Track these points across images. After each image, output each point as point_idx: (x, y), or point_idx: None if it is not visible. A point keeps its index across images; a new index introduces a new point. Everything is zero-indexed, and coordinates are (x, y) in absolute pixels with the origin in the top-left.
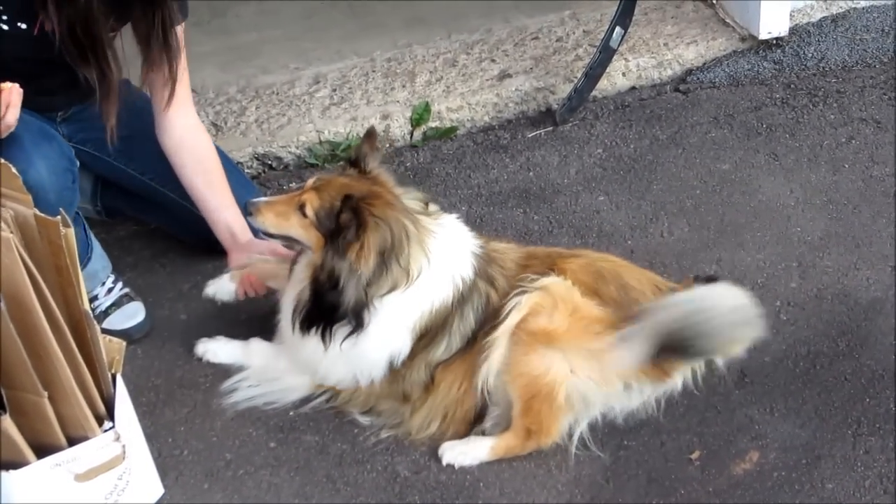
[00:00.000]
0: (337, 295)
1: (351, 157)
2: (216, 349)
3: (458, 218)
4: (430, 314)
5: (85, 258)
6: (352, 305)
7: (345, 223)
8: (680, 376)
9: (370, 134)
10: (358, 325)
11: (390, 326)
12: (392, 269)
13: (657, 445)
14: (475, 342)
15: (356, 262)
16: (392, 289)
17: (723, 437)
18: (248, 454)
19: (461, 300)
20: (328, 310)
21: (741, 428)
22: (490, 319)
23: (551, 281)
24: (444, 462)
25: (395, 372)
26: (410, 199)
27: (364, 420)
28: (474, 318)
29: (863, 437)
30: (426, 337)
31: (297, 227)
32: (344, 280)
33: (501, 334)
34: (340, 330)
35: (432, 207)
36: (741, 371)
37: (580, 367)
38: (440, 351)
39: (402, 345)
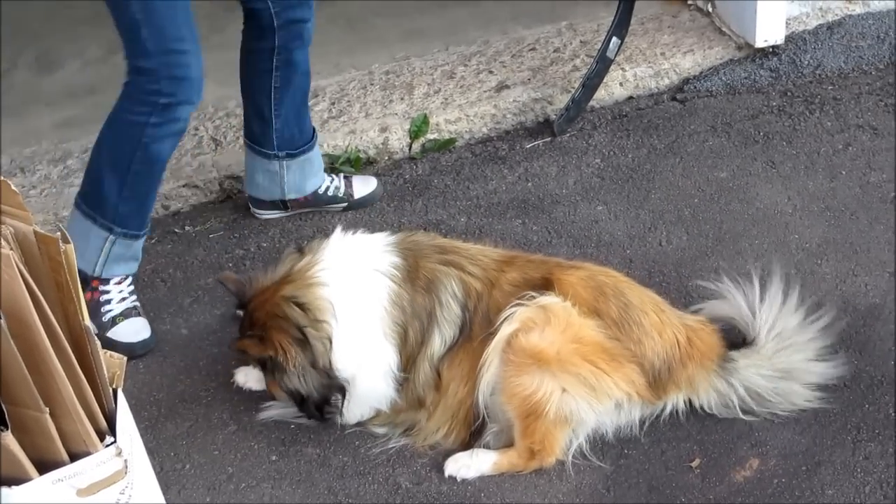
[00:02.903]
0: (309, 395)
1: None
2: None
3: (343, 232)
4: (386, 313)
5: None
6: (321, 390)
7: (258, 353)
8: (671, 400)
9: (221, 282)
10: (342, 391)
11: (363, 360)
12: (311, 337)
13: (658, 454)
14: (472, 333)
15: (290, 365)
16: (327, 346)
17: (723, 444)
18: (249, 467)
19: (417, 284)
20: (317, 407)
21: (741, 435)
22: (484, 311)
23: (549, 300)
24: (447, 474)
25: (405, 381)
26: (282, 268)
27: (380, 430)
28: (457, 305)
29: (862, 442)
30: (410, 333)
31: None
32: (298, 384)
33: (493, 350)
34: (337, 402)
35: (306, 252)
36: None
37: (572, 386)
38: (436, 344)
39: (385, 355)
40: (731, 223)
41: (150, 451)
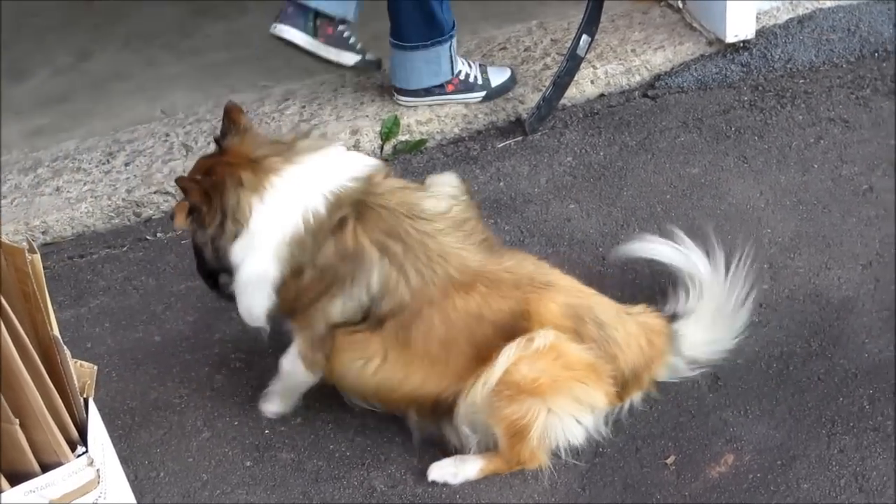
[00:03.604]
0: (204, 258)
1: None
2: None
3: (340, 149)
4: (285, 242)
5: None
6: (213, 262)
7: (192, 198)
8: (629, 400)
9: (227, 111)
10: (229, 272)
11: (253, 259)
12: (227, 218)
13: (632, 451)
14: (382, 326)
15: (207, 225)
16: (235, 235)
17: (697, 440)
18: (224, 474)
19: (331, 246)
20: (211, 272)
21: (716, 431)
22: (406, 322)
23: (541, 343)
24: (430, 479)
25: (303, 317)
26: (265, 148)
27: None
28: (367, 295)
29: (837, 436)
30: (307, 275)
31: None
32: (202, 242)
33: (483, 387)
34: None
35: (297, 146)
36: (714, 374)
37: (561, 406)
38: (333, 309)
39: (269, 268)
40: (703, 219)
41: (124, 460)
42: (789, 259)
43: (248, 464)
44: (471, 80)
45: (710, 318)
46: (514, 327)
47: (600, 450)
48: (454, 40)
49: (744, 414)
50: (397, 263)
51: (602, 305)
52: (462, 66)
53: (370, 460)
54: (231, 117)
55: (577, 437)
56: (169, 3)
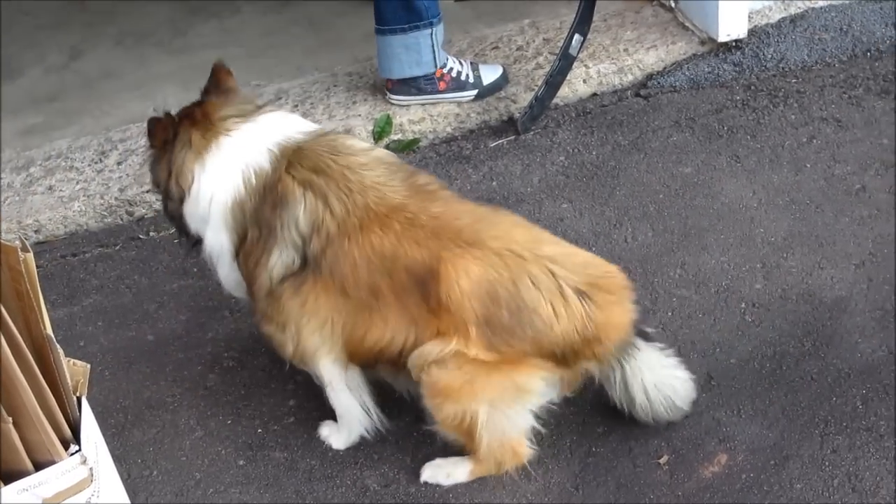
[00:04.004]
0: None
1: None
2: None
3: (284, 112)
4: (235, 203)
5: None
6: (177, 222)
7: (156, 135)
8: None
9: (214, 69)
10: (186, 234)
11: (209, 231)
12: (171, 178)
13: (626, 451)
14: (320, 271)
15: (159, 176)
16: (181, 199)
17: (691, 440)
18: (217, 473)
19: (266, 198)
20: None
21: (709, 431)
22: (332, 258)
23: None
24: (422, 480)
25: (257, 285)
26: (225, 109)
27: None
28: (297, 234)
29: (830, 436)
30: (249, 236)
31: None
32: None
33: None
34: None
35: (246, 108)
36: (708, 374)
37: (495, 400)
38: (275, 262)
39: (222, 239)
40: (696, 218)
41: (117, 458)
42: (782, 259)
43: (242, 462)
44: (462, 77)
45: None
46: (425, 284)
47: (593, 450)
48: (437, 31)
49: (737, 414)
50: (321, 194)
51: (532, 279)
52: (453, 64)
53: (363, 459)
54: (216, 76)
55: (528, 421)
56: (161, 2)
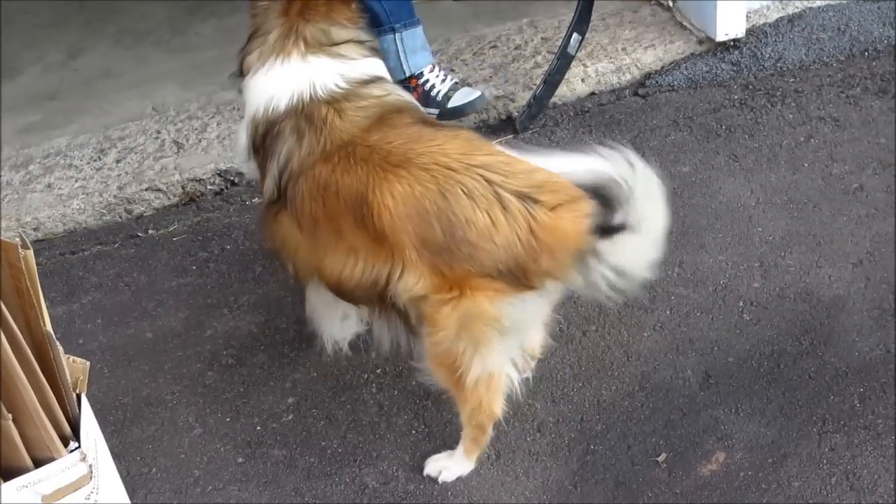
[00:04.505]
0: None
1: None
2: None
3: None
4: (254, 119)
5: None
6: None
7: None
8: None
9: None
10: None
11: (241, 126)
12: (243, 54)
13: (624, 449)
14: (285, 202)
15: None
16: (239, 74)
17: (689, 438)
18: (216, 470)
19: (271, 130)
20: None
21: (707, 429)
22: (292, 193)
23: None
24: (426, 472)
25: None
26: (345, 28)
27: None
28: (278, 168)
29: (828, 434)
30: (262, 152)
31: None
32: None
33: None
34: None
35: (353, 55)
36: (706, 372)
37: (465, 331)
38: (267, 184)
39: (242, 135)
40: (694, 217)
41: (116, 456)
42: (780, 258)
43: (240, 460)
44: (433, 94)
45: (637, 221)
46: (360, 211)
47: (591, 448)
48: (403, 36)
49: (735, 412)
50: (300, 137)
51: (463, 189)
52: (434, 80)
53: (362, 457)
54: None
55: (510, 353)
56: (159, 1)
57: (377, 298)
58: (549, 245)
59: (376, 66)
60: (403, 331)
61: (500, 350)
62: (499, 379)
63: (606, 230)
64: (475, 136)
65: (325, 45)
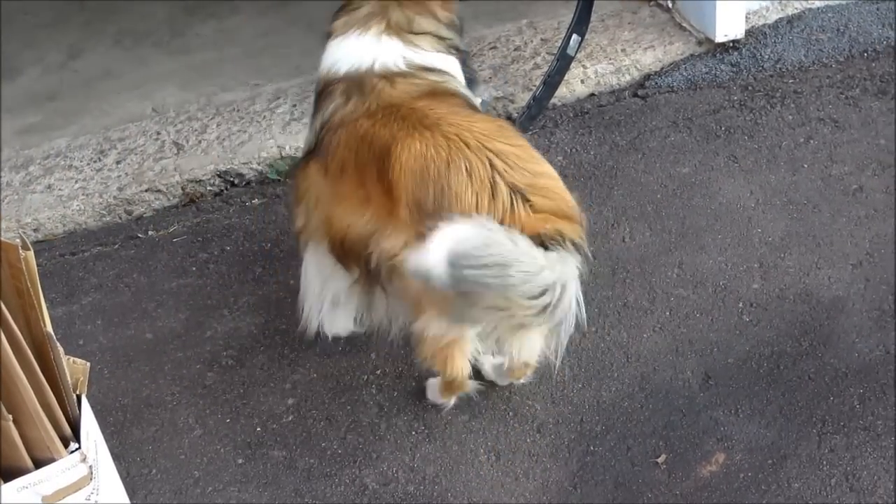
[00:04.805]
0: None
1: None
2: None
3: (420, 53)
4: (318, 77)
5: None
6: None
7: None
8: None
9: None
10: None
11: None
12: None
13: (623, 450)
14: (318, 151)
15: None
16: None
17: (688, 439)
18: (216, 471)
19: (325, 90)
20: None
21: (706, 430)
22: (328, 144)
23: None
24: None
25: None
26: (432, 21)
27: None
28: (321, 122)
29: (828, 435)
30: (321, 96)
31: None
32: None
33: None
34: None
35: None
36: (705, 373)
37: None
38: (310, 132)
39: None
40: (693, 218)
41: (116, 457)
42: (779, 259)
43: (240, 461)
44: None
45: None
46: (382, 161)
47: (591, 449)
48: None
49: (735, 413)
50: (347, 99)
51: (467, 165)
52: None
53: (362, 458)
54: None
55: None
56: (160, 2)
57: (364, 263)
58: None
59: (445, 62)
60: (384, 303)
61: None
62: (452, 342)
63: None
64: (511, 128)
65: (404, 31)
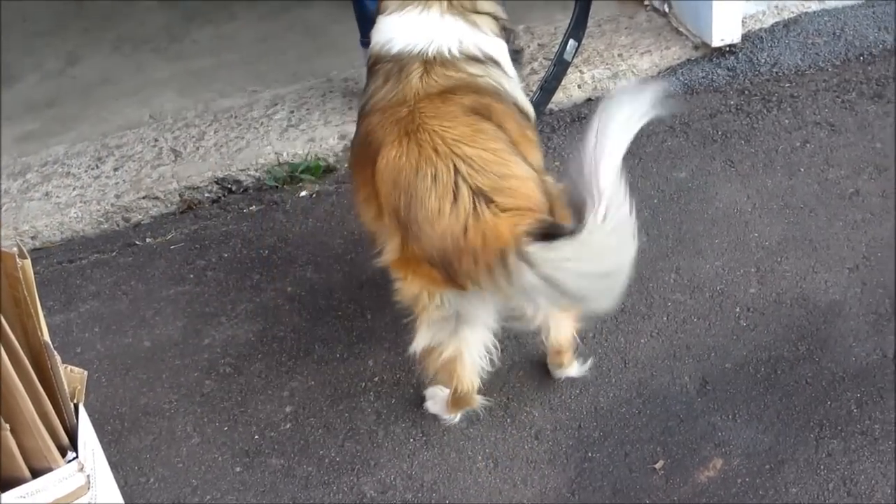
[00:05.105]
0: None
1: None
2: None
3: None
4: (372, 51)
5: None
6: None
7: None
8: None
9: None
10: None
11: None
12: None
13: (621, 456)
14: (357, 134)
15: None
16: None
17: (686, 445)
18: (214, 480)
19: (374, 67)
20: None
21: (704, 436)
22: (361, 116)
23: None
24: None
25: None
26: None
27: None
28: (363, 100)
29: (825, 440)
30: (370, 73)
31: None
32: None
33: None
34: None
35: (486, 31)
36: (703, 378)
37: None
38: (358, 105)
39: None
40: (690, 223)
41: (114, 466)
42: (776, 263)
43: (238, 469)
44: None
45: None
46: (374, 165)
47: (589, 455)
48: None
49: (732, 418)
50: (385, 82)
51: (433, 172)
52: None
53: (360, 466)
54: None
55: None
56: (158, 8)
57: None
58: (475, 248)
59: (497, 48)
60: None
61: (445, 330)
62: (452, 358)
63: (548, 237)
64: (492, 131)
65: (468, 11)
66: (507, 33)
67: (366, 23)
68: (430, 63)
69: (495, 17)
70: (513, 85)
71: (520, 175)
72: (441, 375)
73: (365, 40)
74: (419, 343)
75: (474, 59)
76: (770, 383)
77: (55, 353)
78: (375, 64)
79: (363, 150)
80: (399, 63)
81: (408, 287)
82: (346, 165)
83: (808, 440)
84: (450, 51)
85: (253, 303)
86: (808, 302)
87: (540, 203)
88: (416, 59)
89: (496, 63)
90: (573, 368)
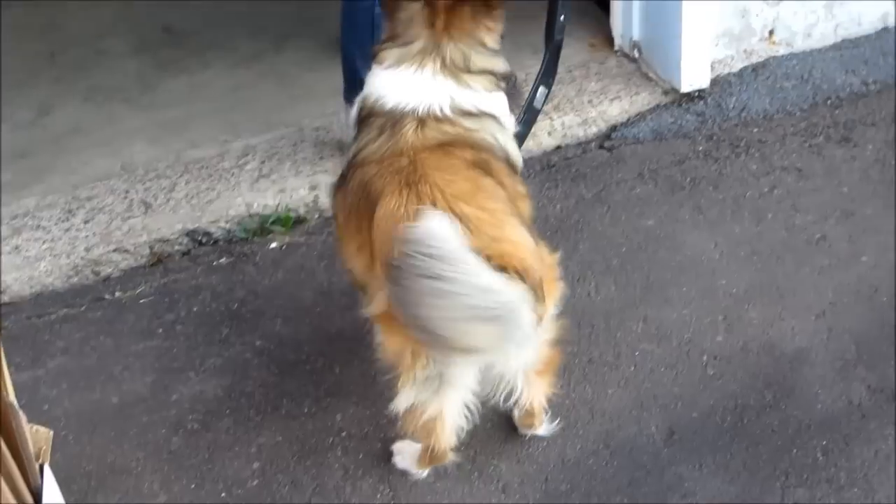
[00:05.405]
0: None
1: None
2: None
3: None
4: (364, 101)
5: None
6: None
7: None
8: None
9: None
10: None
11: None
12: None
13: None
14: (344, 183)
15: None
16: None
17: (653, 496)
18: None
19: (365, 121)
20: None
21: (671, 486)
22: (352, 167)
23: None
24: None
25: None
26: (484, 54)
27: None
28: (353, 151)
29: (791, 488)
30: (362, 122)
31: None
32: None
33: None
34: None
35: (478, 85)
36: (670, 428)
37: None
38: (346, 156)
39: (354, 110)
40: (658, 272)
41: None
42: (743, 310)
43: None
44: None
45: None
46: (372, 214)
47: None
48: None
49: (699, 468)
50: (379, 135)
51: (393, 202)
52: None
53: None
54: None
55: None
56: (130, 57)
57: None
58: None
59: (493, 102)
60: None
61: (428, 391)
62: (433, 418)
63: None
64: (492, 189)
65: (460, 70)
66: (508, 81)
67: (353, 85)
68: (423, 119)
69: (491, 73)
70: (506, 137)
71: (513, 239)
72: (420, 434)
73: (350, 98)
74: (401, 402)
75: (468, 114)
76: (736, 432)
77: (20, 413)
78: (369, 116)
79: (358, 200)
80: (392, 118)
81: (391, 342)
82: (316, 216)
83: (774, 489)
84: (441, 109)
85: (221, 357)
86: (774, 349)
87: (531, 269)
88: (407, 116)
89: (492, 116)
90: (542, 428)
